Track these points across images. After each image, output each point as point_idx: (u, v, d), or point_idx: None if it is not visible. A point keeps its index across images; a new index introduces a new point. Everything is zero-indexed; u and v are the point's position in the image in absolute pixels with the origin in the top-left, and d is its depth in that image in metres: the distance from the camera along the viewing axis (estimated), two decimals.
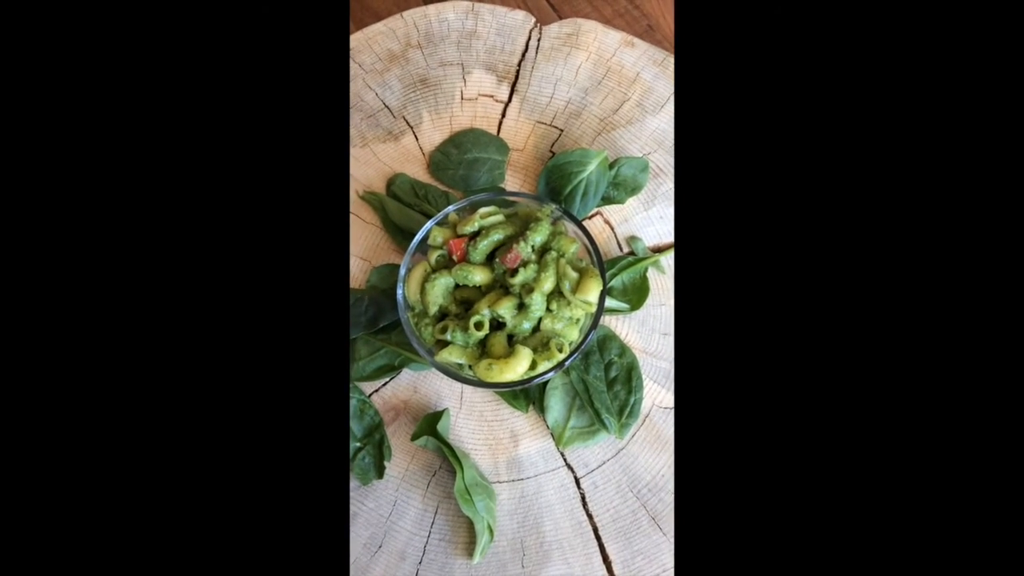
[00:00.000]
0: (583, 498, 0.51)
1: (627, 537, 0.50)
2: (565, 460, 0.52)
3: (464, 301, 0.50)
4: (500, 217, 0.50)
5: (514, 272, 0.48)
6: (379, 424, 0.52)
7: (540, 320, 0.48)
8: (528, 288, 0.47)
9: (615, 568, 0.49)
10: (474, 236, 0.50)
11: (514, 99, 0.64)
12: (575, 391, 0.52)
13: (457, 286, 0.50)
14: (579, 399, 0.52)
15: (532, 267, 0.48)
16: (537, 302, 0.47)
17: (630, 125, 0.62)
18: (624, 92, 0.63)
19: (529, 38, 0.66)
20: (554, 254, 0.48)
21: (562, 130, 0.62)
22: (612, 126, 0.62)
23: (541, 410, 0.52)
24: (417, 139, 0.62)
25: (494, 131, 0.62)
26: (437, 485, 0.52)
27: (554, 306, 0.47)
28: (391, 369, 0.53)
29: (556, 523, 0.51)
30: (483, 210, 0.50)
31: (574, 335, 0.48)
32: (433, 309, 0.48)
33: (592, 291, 0.46)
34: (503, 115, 0.63)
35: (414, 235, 0.56)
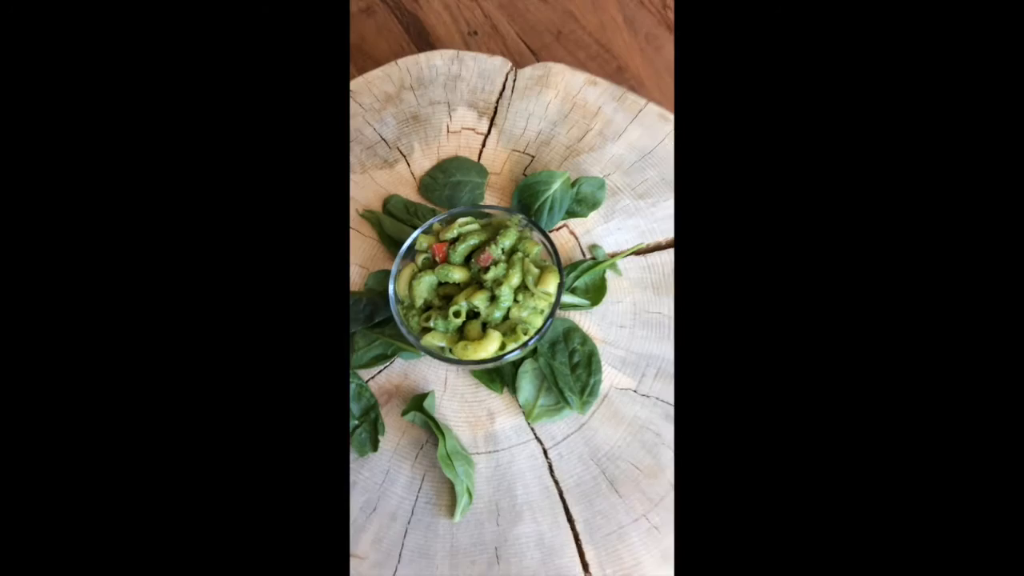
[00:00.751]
0: (550, 466, 0.59)
1: (588, 499, 0.58)
2: (535, 434, 0.60)
3: (445, 296, 0.59)
4: (476, 226, 0.60)
5: (487, 270, 0.57)
6: (374, 405, 0.61)
7: (509, 309, 0.57)
8: (498, 283, 0.56)
9: (577, 526, 0.57)
10: (454, 241, 0.59)
11: (493, 131, 0.74)
12: (543, 374, 0.61)
13: (439, 283, 0.59)
14: (547, 381, 0.61)
15: (502, 266, 0.57)
16: (506, 294, 0.56)
17: (592, 151, 0.72)
18: (587, 124, 0.74)
19: (506, 79, 0.77)
20: (520, 255, 0.57)
21: (533, 156, 0.72)
22: (576, 152, 0.72)
23: (514, 391, 0.61)
24: (409, 166, 0.73)
25: (475, 158, 0.73)
26: (424, 456, 0.60)
27: (520, 297, 0.56)
28: (385, 358, 0.62)
29: (527, 488, 0.58)
30: (461, 220, 0.60)
31: (538, 322, 0.57)
32: (419, 302, 0.58)
33: (550, 284, 0.55)
34: (483, 145, 0.73)
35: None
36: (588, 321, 0.64)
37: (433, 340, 0.56)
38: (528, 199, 0.67)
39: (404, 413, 0.59)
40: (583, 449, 0.59)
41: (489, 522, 0.57)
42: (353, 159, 0.73)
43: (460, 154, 0.73)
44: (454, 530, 0.57)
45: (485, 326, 0.57)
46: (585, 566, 0.55)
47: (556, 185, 0.66)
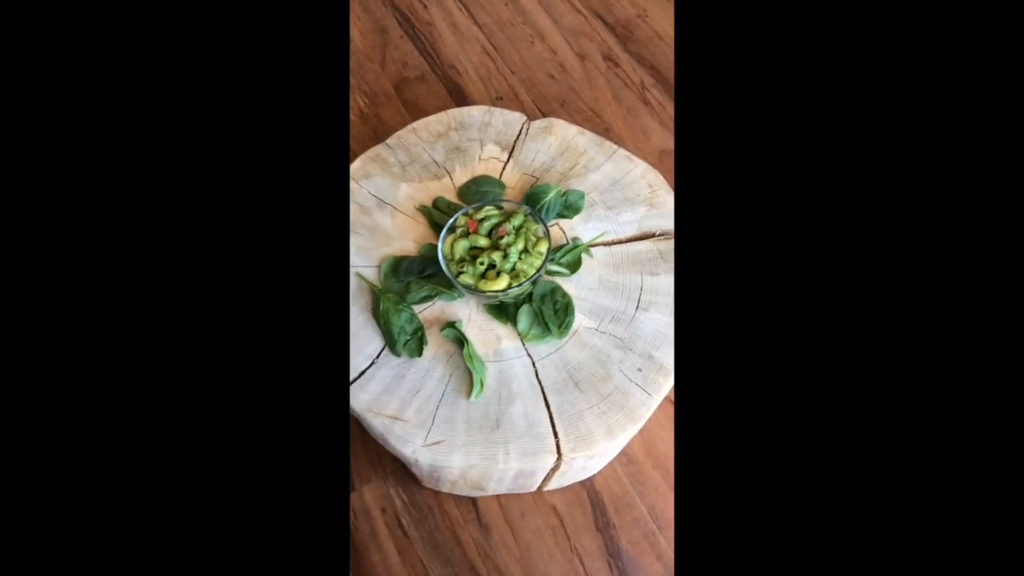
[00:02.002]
0: (536, 372, 0.88)
1: (559, 393, 0.87)
2: (527, 351, 0.90)
3: (473, 254, 0.90)
4: (496, 211, 0.92)
5: (502, 238, 0.89)
6: (420, 327, 0.91)
7: (515, 263, 0.88)
8: (509, 245, 0.88)
9: (552, 410, 0.85)
10: (482, 220, 0.91)
11: (511, 160, 1.07)
12: (535, 313, 0.91)
13: (471, 247, 0.90)
14: (538, 318, 0.91)
15: (512, 235, 0.89)
16: (514, 253, 0.87)
17: (578, 177, 1.05)
18: (576, 159, 1.07)
19: (522, 128, 1.11)
20: (524, 230, 0.89)
21: (538, 178, 1.05)
22: (567, 177, 1.05)
23: (515, 324, 0.91)
24: (452, 180, 1.06)
25: (497, 176, 1.06)
26: (451, 363, 0.89)
27: (522, 257, 0.88)
28: (430, 298, 0.93)
29: (519, 384, 0.87)
30: (486, 208, 0.92)
31: (532, 272, 0.88)
32: (457, 256, 0.89)
33: (543, 247, 0.87)
34: (503, 169, 1.07)
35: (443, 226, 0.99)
36: (568, 284, 0.94)
37: (465, 279, 0.87)
38: (532, 202, 0.99)
39: (442, 330, 0.89)
40: (558, 362, 0.89)
41: (493, 403, 0.86)
42: (413, 174, 1.06)
43: (487, 174, 1.06)
44: (469, 407, 0.86)
45: (499, 273, 0.88)
46: (555, 433, 0.84)
47: (551, 194, 0.99)
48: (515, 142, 1.09)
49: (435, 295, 0.93)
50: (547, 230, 0.90)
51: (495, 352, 0.90)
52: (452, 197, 1.03)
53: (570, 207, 1.00)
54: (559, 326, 0.90)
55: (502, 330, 0.91)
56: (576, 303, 0.92)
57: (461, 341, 0.88)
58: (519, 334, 0.91)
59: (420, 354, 0.89)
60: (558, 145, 1.08)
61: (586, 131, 1.11)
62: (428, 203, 1.03)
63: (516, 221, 0.90)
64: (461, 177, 1.05)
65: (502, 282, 0.86)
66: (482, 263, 0.87)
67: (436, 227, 0.99)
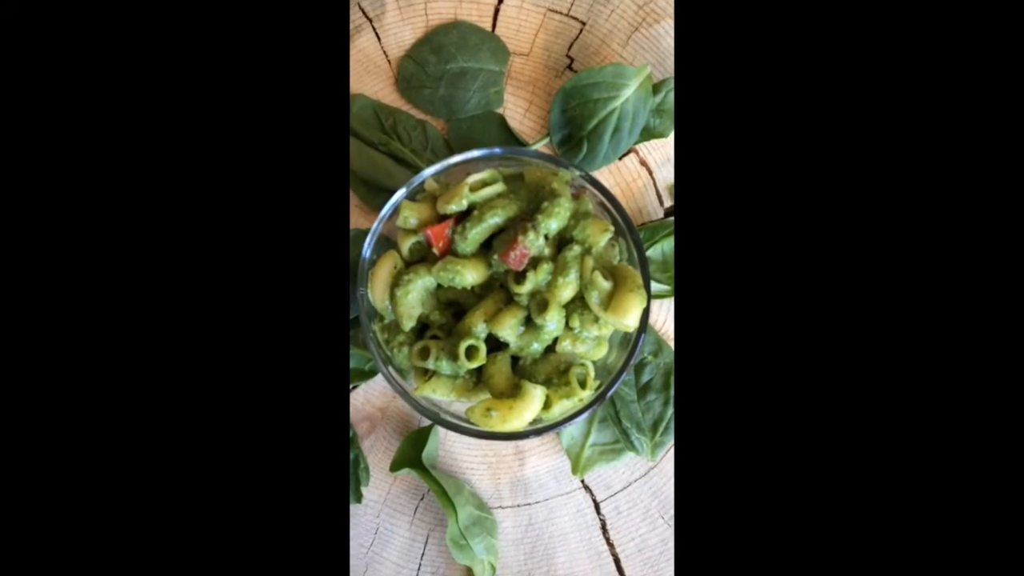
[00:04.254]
0: (603, 525, 0.42)
1: (655, 570, 0.42)
2: (582, 481, 0.42)
3: (451, 304, 0.36)
4: (499, 187, 0.35)
5: (522, 275, 0.34)
6: (352, 439, 0.42)
7: (556, 340, 0.35)
8: (541, 301, 0.34)
9: None
10: (463, 217, 0.35)
11: None
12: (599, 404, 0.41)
13: (440, 292, 0.36)
14: (602, 411, 0.41)
15: (546, 268, 0.34)
16: (553, 321, 0.34)
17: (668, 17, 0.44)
18: None
19: None
20: (577, 250, 0.34)
21: (584, 23, 0.44)
22: (655, 16, 0.44)
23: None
24: (379, 39, 0.44)
25: (488, 25, 0.44)
26: (427, 510, 0.43)
27: (576, 322, 0.34)
28: (361, 375, 0.41)
29: (571, 555, 0.42)
30: (475, 177, 0.35)
31: (601, 353, 0.36)
32: (409, 323, 0.35)
33: (631, 311, 0.33)
34: (500, 0, 0.44)
35: (382, 188, 0.42)
36: (664, 313, 0.42)
37: (435, 390, 0.35)
38: (578, 112, 0.41)
39: (393, 468, 0.40)
40: (650, 502, 0.42)
41: None
42: None
43: (462, 17, 0.44)
44: None
45: (516, 362, 0.36)
46: None
47: (629, 92, 0.40)
48: None
49: (370, 369, 0.41)
50: (640, 252, 0.34)
51: (514, 486, 0.42)
52: (385, 90, 0.44)
53: (668, 112, 0.42)
54: (652, 429, 0.41)
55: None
56: None
57: (438, 499, 0.40)
58: (563, 449, 0.42)
59: (358, 500, 0.42)
60: None
61: None
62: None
63: (554, 219, 0.34)
64: (400, 30, 0.45)
65: (528, 407, 0.34)
66: (473, 348, 0.34)
67: (358, 181, 0.43)
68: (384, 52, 0.45)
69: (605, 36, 0.44)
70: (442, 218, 0.35)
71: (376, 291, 0.36)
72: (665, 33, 0.44)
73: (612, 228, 0.34)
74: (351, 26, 0.45)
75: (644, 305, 0.33)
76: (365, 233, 0.39)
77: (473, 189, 0.35)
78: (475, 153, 0.35)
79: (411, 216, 0.35)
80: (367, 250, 0.36)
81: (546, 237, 0.34)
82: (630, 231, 0.35)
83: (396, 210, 0.36)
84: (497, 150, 0.35)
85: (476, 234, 0.34)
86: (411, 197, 0.36)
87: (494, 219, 0.34)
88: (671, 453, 0.42)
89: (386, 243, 0.37)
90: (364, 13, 0.45)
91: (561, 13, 0.45)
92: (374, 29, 0.45)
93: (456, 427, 0.35)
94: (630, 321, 0.33)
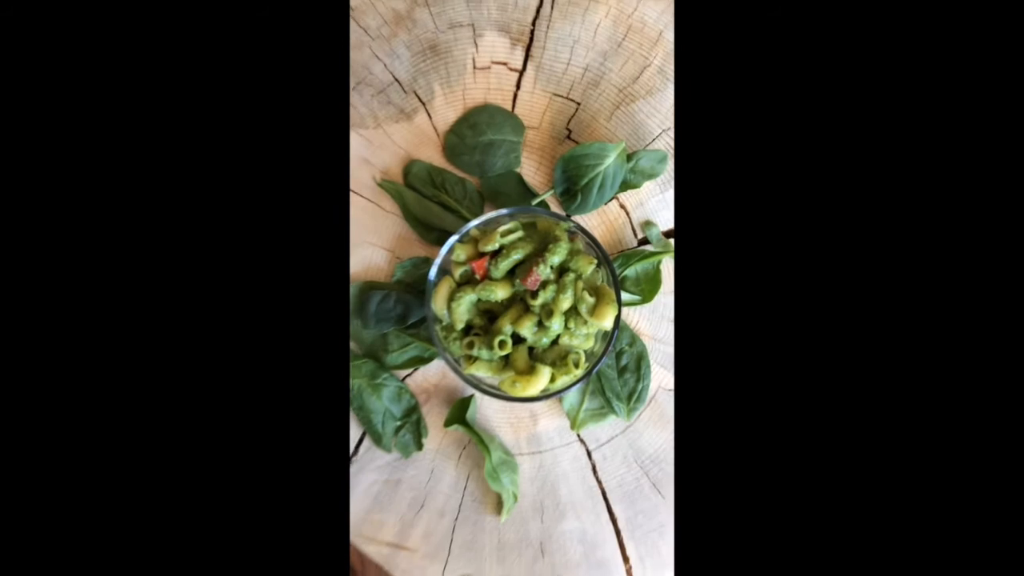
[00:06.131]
0: (594, 467, 0.59)
1: (630, 499, 0.59)
2: (578, 435, 0.59)
3: (487, 312, 0.53)
4: (519, 234, 0.52)
5: (535, 294, 0.51)
6: (415, 406, 0.59)
7: (558, 336, 0.52)
8: (548, 310, 0.51)
9: (619, 524, 0.59)
10: (495, 254, 0.52)
11: (529, 67, 0.61)
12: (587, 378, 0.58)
13: (481, 303, 0.53)
14: (591, 385, 0.58)
15: (551, 288, 0.51)
16: (556, 324, 0.51)
17: (650, 96, 0.60)
18: (645, 56, 0.60)
19: None
20: (572, 276, 0.51)
21: (579, 104, 0.60)
22: (631, 97, 0.60)
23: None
24: (430, 117, 0.61)
25: (508, 106, 0.61)
26: (468, 457, 0.60)
27: (571, 324, 0.51)
28: (422, 361, 0.58)
29: (570, 488, 0.59)
30: (503, 228, 0.52)
31: (589, 344, 0.52)
32: (460, 325, 0.52)
33: (608, 316, 0.50)
34: (518, 86, 0.61)
35: (434, 228, 0.58)
36: (637, 316, 0.59)
37: (477, 370, 0.52)
38: (574, 172, 0.57)
39: (447, 424, 0.57)
40: (627, 451, 0.59)
41: (534, 520, 0.59)
42: (363, 109, 0.61)
43: (490, 100, 0.61)
44: (500, 526, 0.59)
45: (532, 351, 0.53)
46: (626, 559, 0.59)
47: (610, 160, 0.56)
48: (533, 24, 0.61)
49: (429, 357, 0.58)
50: (614, 277, 0.51)
51: (530, 439, 0.59)
52: (435, 156, 0.61)
53: (641, 172, 0.58)
54: (627, 398, 0.58)
55: (537, 403, 0.59)
56: (651, 347, 0.58)
57: (478, 446, 0.57)
58: (564, 412, 0.59)
59: (420, 448, 0.59)
60: (611, 26, 0.60)
61: None
62: (396, 171, 0.60)
63: (556, 255, 0.51)
64: (445, 111, 0.61)
65: (539, 379, 0.51)
66: (503, 341, 0.51)
67: (415, 222, 0.59)
68: (434, 127, 0.61)
69: (595, 113, 0.61)
70: (482, 255, 0.52)
71: (438, 304, 0.53)
72: (639, 111, 0.60)
73: (596, 261, 0.51)
74: (410, 108, 0.61)
75: (616, 312, 0.50)
76: (425, 261, 0.56)
77: (503, 235, 0.51)
78: (503, 212, 0.52)
79: (461, 253, 0.52)
80: (432, 276, 0.53)
81: (551, 267, 0.51)
82: (607, 262, 0.51)
83: (451, 249, 0.53)
84: (517, 209, 0.52)
85: (505, 265, 0.51)
86: (461, 240, 0.53)
87: (517, 255, 0.51)
88: (642, 417, 0.59)
89: (443, 272, 0.54)
90: (419, 98, 0.61)
91: (562, 96, 0.61)
92: (427, 111, 0.61)
93: (491, 394, 0.52)
94: (607, 323, 0.50)
